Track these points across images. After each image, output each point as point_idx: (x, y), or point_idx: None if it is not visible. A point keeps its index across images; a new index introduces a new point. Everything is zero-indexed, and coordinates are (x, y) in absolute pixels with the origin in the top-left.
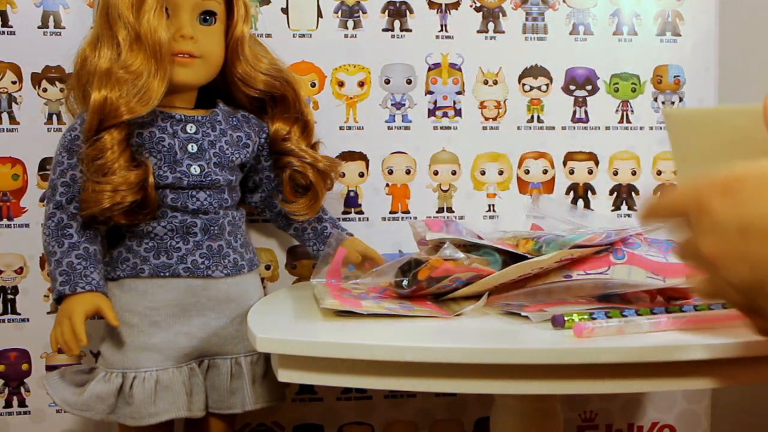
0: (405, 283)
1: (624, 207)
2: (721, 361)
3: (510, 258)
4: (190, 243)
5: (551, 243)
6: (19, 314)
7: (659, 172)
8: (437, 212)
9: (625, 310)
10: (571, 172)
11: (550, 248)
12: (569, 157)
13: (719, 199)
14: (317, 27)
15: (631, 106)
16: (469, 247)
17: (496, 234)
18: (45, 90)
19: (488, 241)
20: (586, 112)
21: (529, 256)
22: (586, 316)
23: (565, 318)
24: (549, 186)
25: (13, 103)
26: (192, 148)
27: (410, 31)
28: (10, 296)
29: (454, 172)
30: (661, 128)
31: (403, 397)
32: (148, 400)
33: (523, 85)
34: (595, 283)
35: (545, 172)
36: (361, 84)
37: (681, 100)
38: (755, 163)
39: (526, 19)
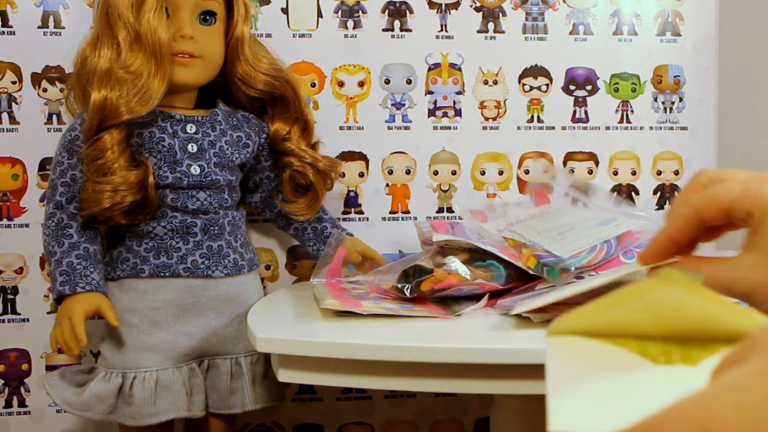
0: (407, 289)
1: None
2: None
3: (514, 272)
4: (190, 243)
5: (553, 268)
6: (19, 314)
7: (659, 172)
8: (437, 212)
9: None
10: (571, 172)
11: (552, 273)
12: (569, 157)
13: None
14: (317, 27)
15: (631, 106)
16: (473, 251)
17: (500, 222)
18: (45, 90)
19: (491, 246)
20: (586, 112)
21: (530, 271)
22: None
23: None
24: (548, 186)
25: (13, 103)
26: (192, 148)
27: (410, 31)
28: (10, 296)
29: (454, 172)
30: (661, 128)
31: (403, 397)
32: (148, 400)
33: (523, 85)
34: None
35: (546, 171)
36: (361, 84)
37: (681, 99)
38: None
39: (526, 19)
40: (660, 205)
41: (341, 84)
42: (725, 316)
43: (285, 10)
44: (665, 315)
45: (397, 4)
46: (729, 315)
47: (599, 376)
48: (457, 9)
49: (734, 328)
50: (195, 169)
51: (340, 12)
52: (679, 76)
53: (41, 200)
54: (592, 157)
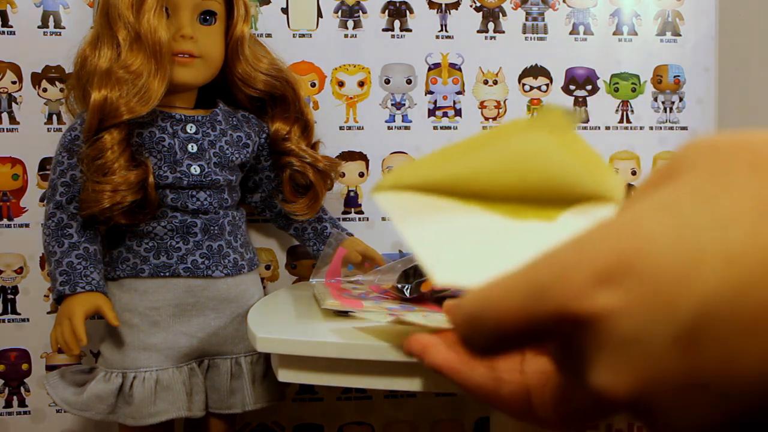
0: (407, 289)
1: None
2: None
3: None
4: (190, 243)
5: None
6: (19, 314)
7: None
8: None
9: None
10: None
11: None
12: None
13: (615, 292)
14: (317, 27)
15: (631, 106)
16: None
17: None
18: (45, 90)
19: None
20: (586, 112)
21: None
22: None
23: None
24: None
25: (13, 103)
26: (192, 148)
27: (410, 31)
28: (10, 296)
29: None
30: (661, 128)
31: (403, 397)
32: (148, 400)
33: (523, 85)
34: None
35: None
36: (361, 84)
37: (681, 99)
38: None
39: (526, 19)
40: None
41: (341, 84)
42: (582, 175)
43: (285, 10)
44: (515, 170)
45: (397, 4)
46: (587, 173)
47: (459, 230)
48: (457, 9)
49: (590, 189)
50: (195, 169)
51: (340, 12)
52: (679, 76)
53: (41, 200)
54: None
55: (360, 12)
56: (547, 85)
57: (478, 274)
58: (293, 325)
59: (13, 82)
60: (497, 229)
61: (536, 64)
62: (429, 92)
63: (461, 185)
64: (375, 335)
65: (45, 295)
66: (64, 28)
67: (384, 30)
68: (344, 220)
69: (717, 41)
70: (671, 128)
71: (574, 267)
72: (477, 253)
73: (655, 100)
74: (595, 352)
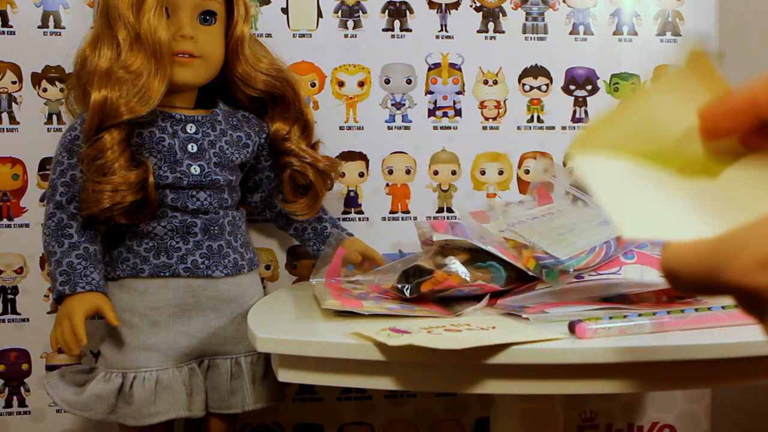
0: (407, 290)
1: None
2: (721, 361)
3: (514, 273)
4: (190, 243)
5: (551, 270)
6: (19, 314)
7: None
8: (437, 212)
9: (627, 312)
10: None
11: (550, 276)
12: (570, 157)
13: None
14: (317, 27)
15: None
16: (473, 251)
17: (501, 222)
18: (45, 90)
19: (492, 246)
20: (586, 112)
21: (530, 273)
22: (595, 319)
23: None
24: (550, 185)
25: (13, 103)
26: (192, 148)
27: (410, 31)
28: (10, 296)
29: (454, 172)
30: None
31: (403, 397)
32: (148, 400)
33: (523, 85)
34: (607, 283)
35: (546, 170)
36: (361, 84)
37: None
38: None
39: (526, 19)
40: None
41: (341, 84)
42: None
43: (285, 10)
44: (675, 124)
45: (397, 4)
46: None
47: (642, 190)
48: (457, 9)
49: None
50: (195, 169)
51: (340, 12)
52: None
53: (41, 200)
54: None
55: (360, 12)
56: (547, 85)
57: (664, 228)
58: (293, 325)
59: (13, 82)
60: (677, 187)
61: (536, 64)
62: (429, 92)
63: (636, 142)
64: (375, 335)
65: (45, 295)
66: (64, 28)
67: (384, 30)
68: (344, 220)
69: (717, 41)
70: None
71: (743, 252)
72: (660, 209)
73: None
74: (761, 315)
